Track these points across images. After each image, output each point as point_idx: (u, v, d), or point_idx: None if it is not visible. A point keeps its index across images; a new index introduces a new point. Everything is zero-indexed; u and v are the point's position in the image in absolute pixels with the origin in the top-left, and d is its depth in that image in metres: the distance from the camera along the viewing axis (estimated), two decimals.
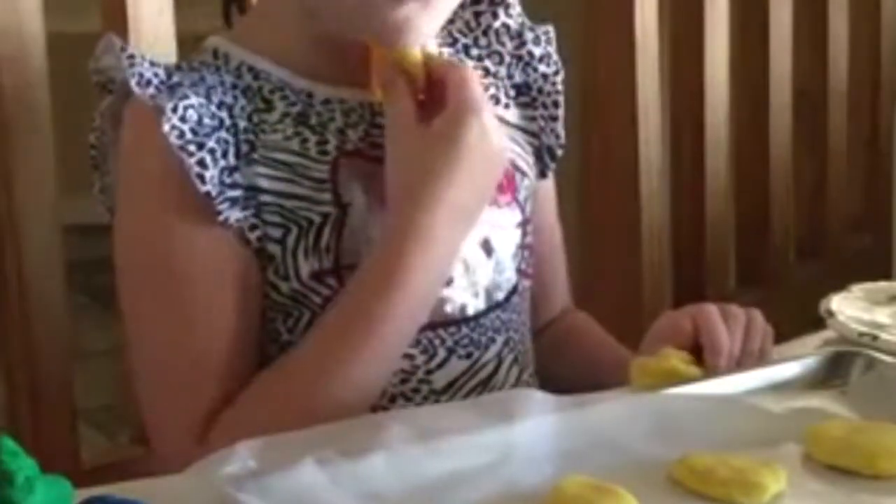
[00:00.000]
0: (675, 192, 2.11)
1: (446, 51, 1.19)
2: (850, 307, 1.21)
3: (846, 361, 1.05)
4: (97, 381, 1.78)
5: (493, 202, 1.13)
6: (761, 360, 1.07)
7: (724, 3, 2.06)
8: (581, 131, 1.91)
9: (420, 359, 1.11)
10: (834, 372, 1.05)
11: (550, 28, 1.24)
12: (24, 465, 0.77)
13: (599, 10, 1.92)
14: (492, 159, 1.08)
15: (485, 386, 1.14)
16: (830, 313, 1.20)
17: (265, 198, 1.07)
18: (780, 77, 2.20)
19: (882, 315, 1.21)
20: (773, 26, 2.19)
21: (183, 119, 1.04)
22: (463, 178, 1.05)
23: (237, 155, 1.07)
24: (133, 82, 1.06)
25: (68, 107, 1.45)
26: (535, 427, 0.92)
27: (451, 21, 1.16)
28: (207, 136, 1.05)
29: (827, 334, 1.19)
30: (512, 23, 1.22)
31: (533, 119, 1.22)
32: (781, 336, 1.12)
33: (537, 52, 1.22)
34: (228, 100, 1.08)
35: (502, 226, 1.16)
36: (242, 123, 1.08)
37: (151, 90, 1.06)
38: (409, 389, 1.11)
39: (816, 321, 1.20)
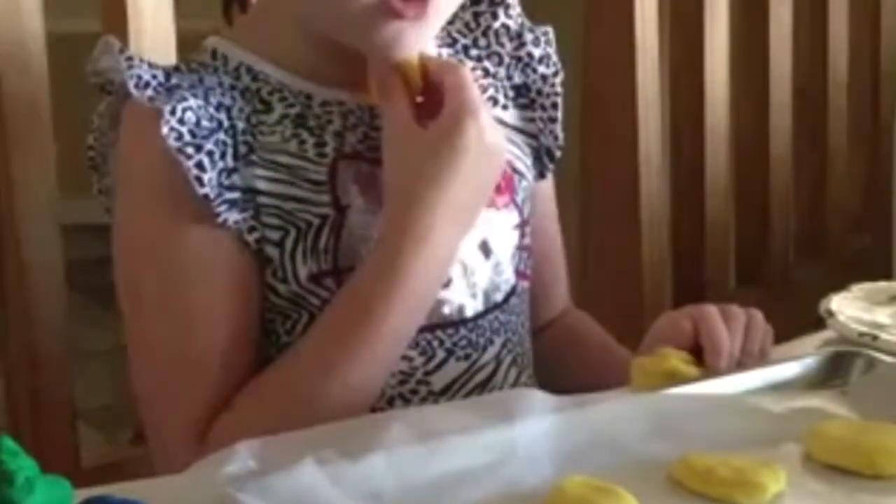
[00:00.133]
0: (675, 192, 2.11)
1: (445, 51, 1.19)
2: (850, 307, 1.21)
3: (846, 361, 1.05)
4: (97, 381, 1.78)
5: (492, 204, 1.13)
6: (761, 360, 1.07)
7: (724, 3, 2.06)
8: (581, 132, 1.91)
9: (418, 360, 1.11)
10: (834, 372, 1.05)
11: (550, 29, 1.24)
12: (24, 465, 0.77)
13: (599, 10, 1.92)
14: (490, 160, 1.08)
15: (483, 387, 1.14)
16: (830, 313, 1.20)
17: (263, 200, 1.07)
18: (780, 76, 2.21)
19: (882, 315, 1.21)
20: (773, 26, 2.19)
21: (181, 121, 1.04)
22: (461, 179, 1.05)
23: (235, 157, 1.07)
24: (131, 84, 1.06)
25: (68, 107, 1.45)
26: (535, 427, 0.92)
27: (450, 21, 1.16)
28: (206, 138, 1.05)
29: (827, 334, 1.18)
30: (511, 24, 1.22)
31: (532, 120, 1.22)
32: (781, 336, 1.12)
33: (537, 53, 1.22)
34: (227, 101, 1.08)
35: (500, 227, 1.16)
36: (241, 125, 1.08)
37: (150, 92, 1.06)
38: (407, 391, 1.11)
39: (816, 321, 1.20)
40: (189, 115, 1.05)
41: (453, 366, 1.12)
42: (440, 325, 1.11)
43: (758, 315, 1.09)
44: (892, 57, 2.39)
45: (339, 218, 1.08)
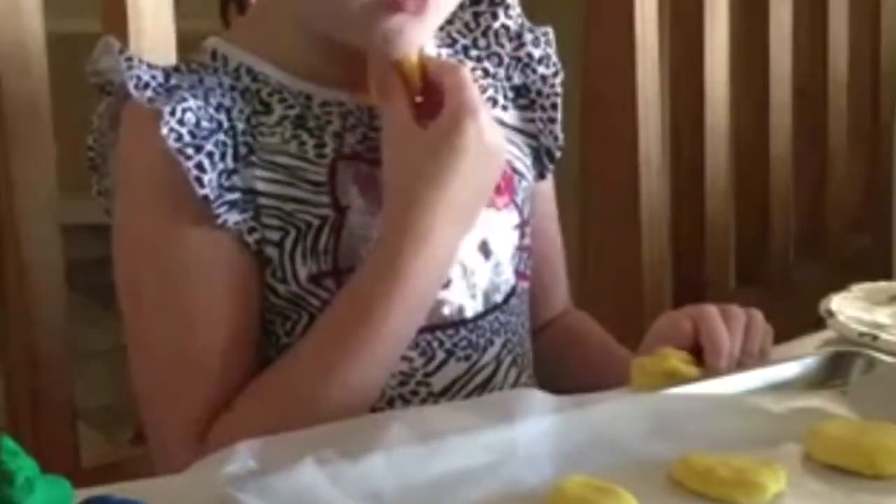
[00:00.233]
0: (675, 192, 2.11)
1: (445, 52, 1.19)
2: (850, 307, 1.21)
3: (846, 361, 1.05)
4: (97, 381, 1.78)
5: (491, 204, 1.13)
6: (761, 360, 1.07)
7: (724, 3, 2.06)
8: (581, 132, 1.91)
9: (418, 361, 1.11)
10: (834, 372, 1.05)
11: (550, 29, 1.24)
12: (24, 465, 0.77)
13: (599, 10, 1.92)
14: (489, 160, 1.08)
15: (483, 388, 1.14)
16: (830, 313, 1.20)
17: (263, 200, 1.07)
18: (780, 76, 2.21)
19: (882, 315, 1.21)
20: (773, 26, 2.19)
21: (181, 122, 1.04)
22: (461, 179, 1.05)
23: (235, 157, 1.07)
24: (131, 85, 1.06)
25: (68, 107, 1.45)
26: (535, 427, 0.92)
27: (450, 22, 1.17)
28: (205, 138, 1.05)
29: (827, 334, 1.18)
30: (511, 24, 1.22)
31: (531, 121, 1.22)
32: (781, 336, 1.12)
33: (536, 53, 1.22)
34: (227, 102, 1.08)
35: (500, 228, 1.15)
36: (241, 126, 1.08)
37: (149, 93, 1.06)
38: (407, 392, 1.11)
39: (816, 321, 1.20)
40: (189, 116, 1.05)
41: (453, 366, 1.12)
42: (440, 325, 1.11)
43: (758, 315, 1.09)
44: (892, 57, 2.39)
45: (339, 219, 1.08)
